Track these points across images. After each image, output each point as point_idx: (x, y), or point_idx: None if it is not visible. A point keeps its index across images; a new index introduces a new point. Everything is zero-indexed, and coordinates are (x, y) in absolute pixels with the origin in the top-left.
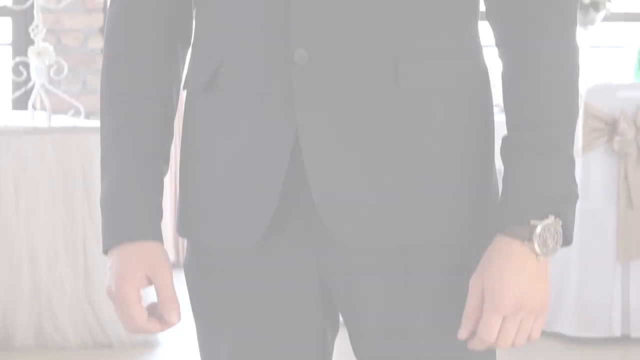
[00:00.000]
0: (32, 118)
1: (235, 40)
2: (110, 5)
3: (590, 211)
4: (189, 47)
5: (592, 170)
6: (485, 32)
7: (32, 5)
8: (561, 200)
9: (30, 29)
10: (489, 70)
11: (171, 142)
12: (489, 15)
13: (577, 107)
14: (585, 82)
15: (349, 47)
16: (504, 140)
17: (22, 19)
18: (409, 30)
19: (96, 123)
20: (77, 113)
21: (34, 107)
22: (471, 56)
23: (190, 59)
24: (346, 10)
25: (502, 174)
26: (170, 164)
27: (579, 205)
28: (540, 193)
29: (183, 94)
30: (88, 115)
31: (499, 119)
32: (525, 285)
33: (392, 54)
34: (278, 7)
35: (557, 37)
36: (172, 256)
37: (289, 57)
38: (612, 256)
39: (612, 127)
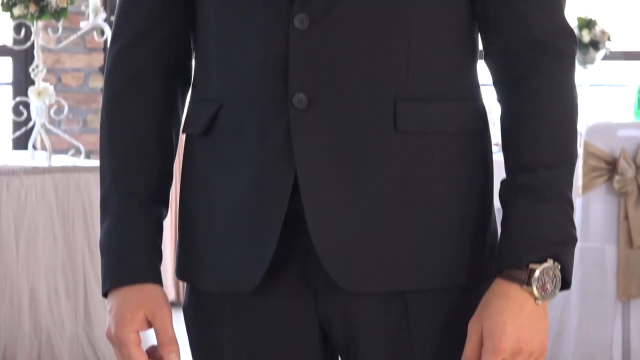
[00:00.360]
0: (33, 158)
1: (235, 83)
2: (109, 48)
3: (591, 250)
4: (188, 89)
5: (592, 209)
6: (484, 71)
7: (32, 45)
8: (560, 244)
9: (30, 69)
10: (487, 110)
11: (171, 184)
12: (487, 59)
13: (575, 149)
14: (585, 121)
15: (348, 91)
16: (503, 183)
17: (23, 59)
18: (407, 73)
19: (96, 162)
20: (77, 152)
21: (34, 147)
22: (470, 98)
23: (190, 102)
24: (345, 54)
25: (501, 215)
26: (170, 201)
27: (579, 244)
28: (538, 237)
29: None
30: (88, 155)
31: (498, 158)
32: (524, 329)
33: (390, 97)
34: (277, 52)
35: (555, 81)
36: (172, 295)
37: (288, 101)
38: (612, 295)
39: (612, 166)
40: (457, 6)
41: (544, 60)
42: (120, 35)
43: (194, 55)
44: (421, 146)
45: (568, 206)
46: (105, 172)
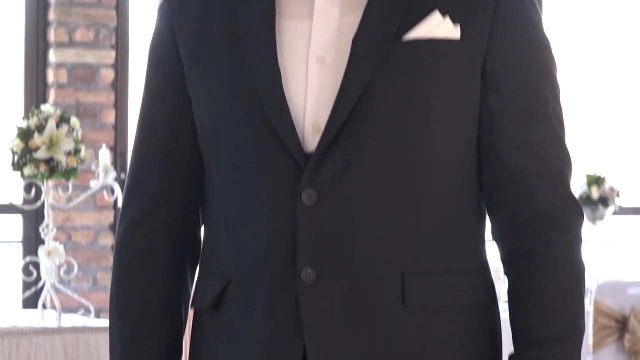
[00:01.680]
0: (42, 318)
1: (243, 259)
2: (119, 222)
3: None
4: (197, 261)
5: None
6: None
7: (42, 204)
8: None
9: (40, 228)
10: (496, 268)
11: (180, 358)
12: (493, 230)
13: (583, 322)
14: (595, 278)
15: (356, 266)
16: (511, 358)
17: (33, 217)
18: (415, 248)
19: (106, 322)
20: (87, 311)
21: (44, 306)
22: (477, 271)
23: (198, 277)
24: (352, 229)
25: None
26: None
27: None
28: None
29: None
30: (98, 313)
31: (506, 316)
32: None
33: (398, 272)
34: (284, 228)
35: (562, 254)
36: None
37: (296, 276)
38: None
39: (622, 324)
40: (464, 181)
41: (550, 233)
42: (129, 210)
43: (202, 228)
44: (429, 320)
45: None
46: (115, 346)
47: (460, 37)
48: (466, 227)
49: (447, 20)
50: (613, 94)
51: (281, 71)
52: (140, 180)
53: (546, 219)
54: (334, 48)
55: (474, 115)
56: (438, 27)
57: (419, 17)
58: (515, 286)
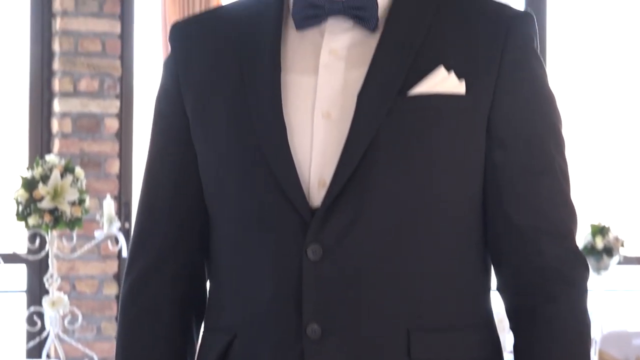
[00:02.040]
0: None
1: (248, 314)
2: (125, 275)
3: None
4: (203, 315)
5: None
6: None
7: (47, 254)
8: None
9: (45, 279)
10: (500, 318)
11: None
12: (500, 288)
13: None
14: (600, 328)
15: (362, 321)
16: None
17: (37, 267)
18: (420, 303)
19: None
20: None
21: (48, 356)
22: (483, 326)
23: (204, 332)
24: (357, 284)
25: None
26: None
27: None
28: None
29: None
30: None
31: None
32: None
33: (404, 328)
34: (290, 283)
35: (568, 310)
36: None
37: (301, 331)
38: None
39: None
40: (469, 234)
41: (556, 289)
42: (135, 265)
43: (208, 281)
44: None
45: None
46: None
47: (466, 92)
48: (471, 280)
49: (452, 75)
50: (617, 145)
51: (287, 126)
52: (147, 235)
53: (552, 274)
54: (339, 103)
55: (479, 169)
56: (443, 82)
57: (424, 72)
58: (521, 341)
